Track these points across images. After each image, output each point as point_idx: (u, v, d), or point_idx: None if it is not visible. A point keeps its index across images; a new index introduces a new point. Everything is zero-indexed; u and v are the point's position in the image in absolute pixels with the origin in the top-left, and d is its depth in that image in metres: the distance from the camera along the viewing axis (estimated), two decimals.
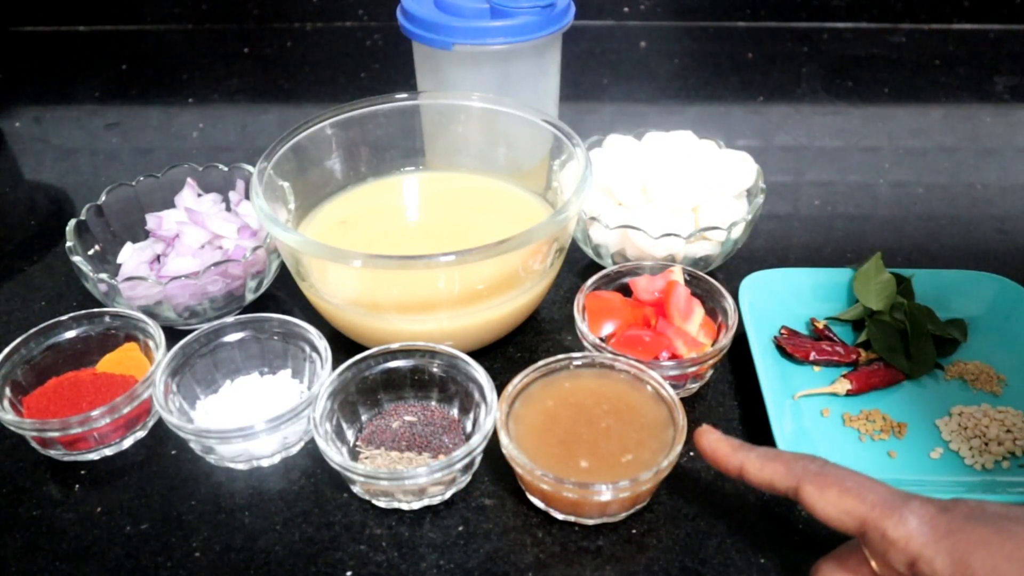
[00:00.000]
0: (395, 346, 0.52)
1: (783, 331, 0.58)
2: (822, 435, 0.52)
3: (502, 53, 0.64)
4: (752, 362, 0.54)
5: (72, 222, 0.61)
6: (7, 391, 0.52)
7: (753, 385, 0.54)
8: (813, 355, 0.56)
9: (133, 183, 0.66)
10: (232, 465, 0.51)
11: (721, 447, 0.43)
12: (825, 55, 1.02)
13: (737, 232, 0.61)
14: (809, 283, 0.61)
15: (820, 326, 0.58)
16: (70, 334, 0.56)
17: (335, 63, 1.02)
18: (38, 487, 0.51)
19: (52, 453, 0.51)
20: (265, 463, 0.51)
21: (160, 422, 0.54)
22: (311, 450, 0.52)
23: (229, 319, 0.55)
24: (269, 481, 0.50)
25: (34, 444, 0.52)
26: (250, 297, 0.62)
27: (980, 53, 1.03)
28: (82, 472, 0.51)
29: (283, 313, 0.55)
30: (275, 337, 0.55)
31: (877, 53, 1.03)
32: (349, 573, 0.45)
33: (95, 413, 0.49)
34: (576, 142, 0.58)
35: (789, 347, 0.56)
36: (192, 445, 0.51)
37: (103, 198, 0.64)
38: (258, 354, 0.56)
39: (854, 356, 0.56)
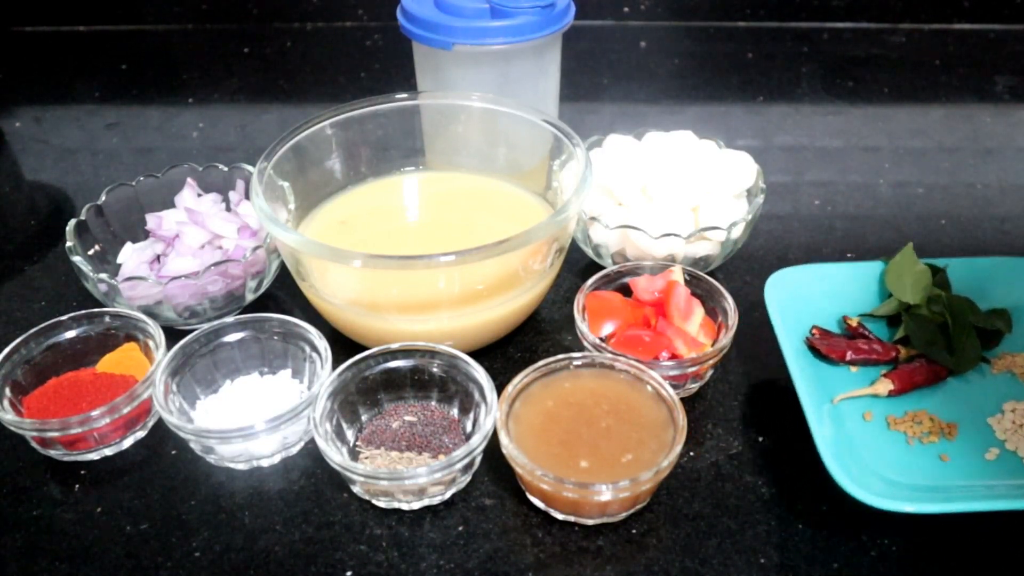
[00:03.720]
0: (395, 346, 0.52)
1: (814, 331, 0.55)
2: (867, 440, 0.49)
3: (502, 53, 0.64)
4: (781, 364, 0.51)
5: (72, 222, 0.61)
6: (7, 391, 0.52)
7: (770, 387, 0.54)
8: (850, 355, 0.53)
9: (133, 183, 0.66)
10: (232, 465, 0.51)
11: None
12: (825, 55, 1.02)
13: (737, 232, 0.61)
14: (838, 279, 0.58)
15: (853, 324, 0.56)
16: (70, 334, 0.56)
17: (335, 63, 1.02)
18: (38, 487, 0.51)
19: (52, 453, 0.51)
20: (265, 463, 0.51)
21: (160, 422, 0.54)
22: (311, 450, 0.52)
23: (229, 319, 0.55)
24: (269, 481, 0.50)
25: (34, 444, 0.52)
26: (250, 297, 0.62)
27: (980, 53, 1.03)
28: (82, 472, 0.51)
29: (283, 313, 0.55)
30: (275, 337, 0.55)
31: (877, 53, 1.03)
32: (349, 573, 0.45)
33: (95, 413, 0.49)
34: (576, 142, 0.58)
35: (824, 348, 0.54)
36: (192, 445, 0.51)
37: (103, 198, 0.64)
38: (258, 354, 0.56)
39: (893, 354, 0.54)
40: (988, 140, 0.85)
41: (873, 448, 0.49)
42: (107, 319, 0.56)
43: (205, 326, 0.54)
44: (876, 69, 0.99)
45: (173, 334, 0.56)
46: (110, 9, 1.08)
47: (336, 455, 0.46)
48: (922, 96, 0.94)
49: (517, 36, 0.62)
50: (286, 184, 0.60)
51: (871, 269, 0.58)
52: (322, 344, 0.53)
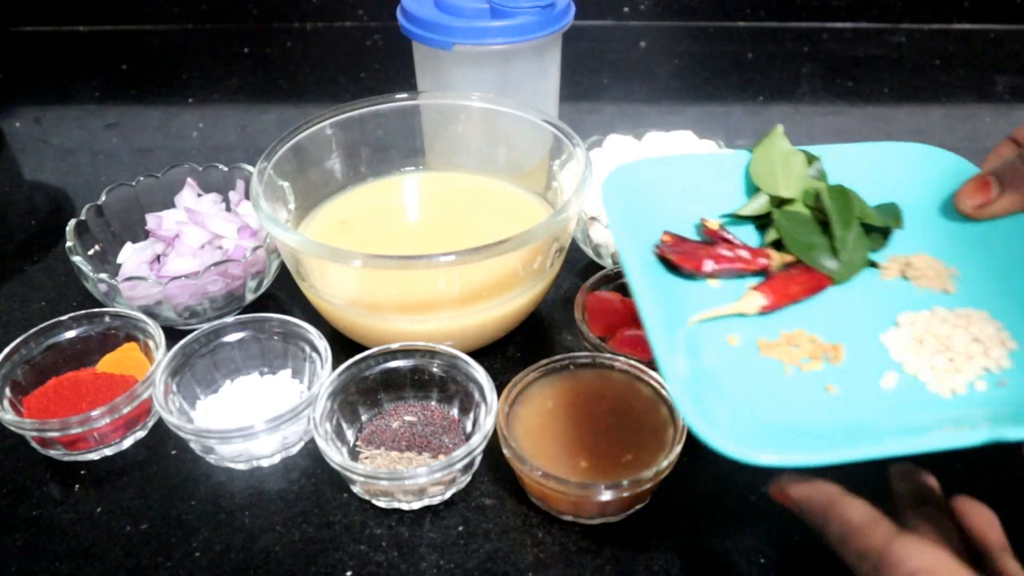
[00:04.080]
0: (395, 346, 0.52)
1: (665, 238, 0.44)
2: (731, 373, 0.38)
3: (502, 53, 0.64)
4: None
5: (72, 222, 0.61)
6: (7, 391, 0.52)
7: None
8: (708, 264, 0.43)
9: (133, 183, 0.66)
10: (232, 465, 0.51)
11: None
12: (825, 55, 1.02)
13: None
14: (695, 174, 0.47)
15: (714, 227, 0.45)
16: (70, 334, 0.56)
17: (335, 63, 1.02)
18: (38, 487, 0.51)
19: (52, 453, 0.51)
20: (265, 463, 0.51)
21: (160, 422, 0.54)
22: (311, 450, 0.52)
23: (229, 319, 0.55)
24: (269, 481, 0.50)
25: (34, 444, 0.52)
26: (250, 297, 0.62)
27: (980, 53, 1.03)
28: (82, 472, 0.51)
29: (283, 313, 0.55)
30: (275, 337, 0.55)
31: (877, 53, 1.03)
32: (349, 573, 0.45)
33: (95, 413, 0.49)
34: (576, 142, 0.58)
35: (676, 257, 0.43)
36: (192, 445, 0.51)
37: (103, 198, 0.64)
38: (258, 354, 0.56)
39: (763, 261, 0.44)
40: (988, 140, 0.85)
41: (740, 383, 0.38)
42: (107, 319, 0.56)
43: (205, 326, 0.54)
44: (876, 69, 0.99)
45: (173, 334, 0.56)
46: (110, 9, 1.08)
47: (336, 455, 0.46)
48: (922, 96, 0.94)
49: (517, 36, 0.62)
50: (286, 184, 0.60)
51: (735, 161, 0.48)
52: (322, 344, 0.53)
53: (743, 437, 0.33)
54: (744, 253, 0.44)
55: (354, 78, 0.99)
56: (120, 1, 1.08)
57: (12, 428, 0.49)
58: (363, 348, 0.52)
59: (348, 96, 0.63)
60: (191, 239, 0.62)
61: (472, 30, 0.62)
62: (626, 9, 1.08)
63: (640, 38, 1.06)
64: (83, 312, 0.56)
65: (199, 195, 0.66)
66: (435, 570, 0.45)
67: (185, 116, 0.92)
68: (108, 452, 0.52)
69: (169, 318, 0.59)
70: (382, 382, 0.52)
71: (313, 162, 0.63)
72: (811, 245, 0.43)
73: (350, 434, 0.51)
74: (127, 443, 0.53)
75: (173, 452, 0.52)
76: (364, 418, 0.52)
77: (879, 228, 0.45)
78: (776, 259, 0.44)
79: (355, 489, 0.48)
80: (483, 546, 0.46)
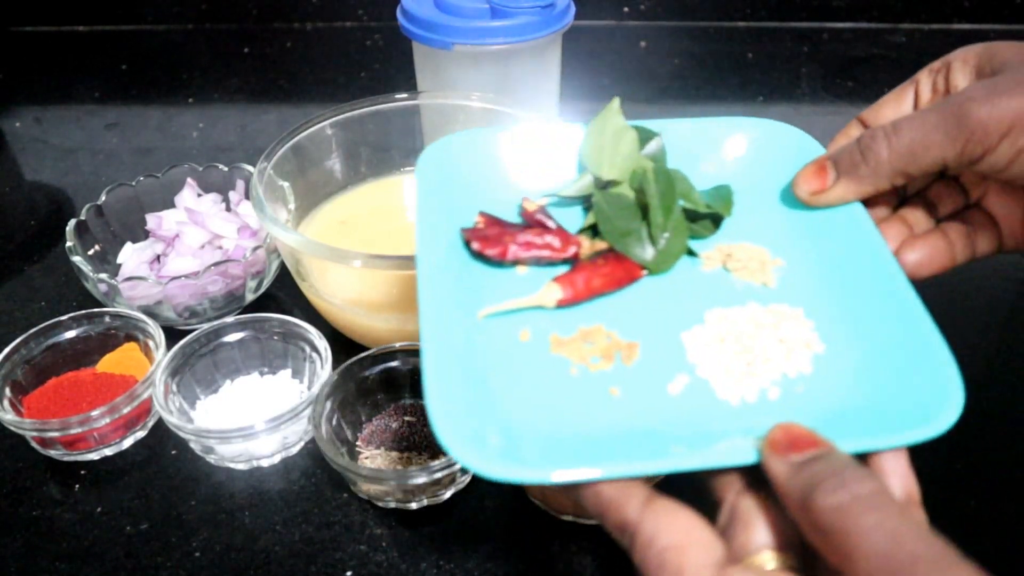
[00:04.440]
0: (395, 346, 0.52)
1: (479, 220, 0.39)
2: (510, 374, 0.34)
3: (502, 53, 0.64)
4: None
5: (72, 222, 0.61)
6: (7, 391, 0.52)
7: None
8: (514, 251, 0.37)
9: (133, 183, 0.66)
10: (232, 465, 0.51)
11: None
12: (825, 55, 1.02)
13: None
14: (530, 148, 0.42)
15: (532, 209, 0.40)
16: (70, 334, 0.56)
17: (335, 63, 1.02)
18: (38, 487, 0.51)
19: (52, 453, 0.51)
20: (265, 463, 0.51)
21: (160, 422, 0.54)
22: (311, 450, 0.52)
23: (229, 319, 0.55)
24: (269, 481, 0.50)
25: (34, 444, 0.52)
26: (250, 297, 0.62)
27: None
28: (82, 472, 0.51)
29: (283, 313, 0.55)
30: (275, 337, 0.55)
31: (877, 53, 1.03)
32: (349, 573, 0.45)
33: (95, 413, 0.49)
34: None
35: (478, 242, 0.38)
36: (192, 445, 0.51)
37: (103, 198, 0.64)
38: (258, 354, 0.56)
39: (573, 249, 0.38)
40: None
41: (519, 386, 0.33)
42: (107, 319, 0.56)
43: (205, 326, 0.54)
44: (876, 69, 0.99)
45: (173, 334, 0.56)
46: (110, 9, 1.08)
47: (336, 455, 0.46)
48: None
49: (517, 36, 0.62)
50: (286, 184, 0.60)
51: (577, 134, 0.43)
52: (322, 344, 0.53)
53: (509, 452, 0.29)
54: (553, 240, 0.38)
55: (354, 78, 0.99)
56: (120, 1, 1.08)
57: (12, 428, 0.49)
58: (363, 348, 0.52)
59: (348, 96, 0.63)
60: (191, 239, 0.62)
61: (472, 30, 0.62)
62: (626, 9, 1.08)
63: (640, 38, 1.06)
64: (83, 312, 0.56)
65: (199, 195, 0.66)
66: (435, 570, 0.45)
67: (185, 116, 0.92)
68: (108, 452, 0.52)
69: (169, 318, 0.59)
70: (382, 382, 0.52)
71: (313, 162, 0.63)
72: (627, 231, 0.38)
73: (350, 434, 0.51)
74: (127, 443, 0.53)
75: (173, 452, 0.52)
76: (364, 418, 0.52)
77: (709, 214, 0.40)
78: (587, 247, 0.39)
79: (355, 489, 0.48)
80: (483, 546, 0.46)
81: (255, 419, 0.48)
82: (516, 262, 0.38)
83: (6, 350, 0.53)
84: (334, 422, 0.50)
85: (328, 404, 0.49)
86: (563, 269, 0.38)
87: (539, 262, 0.38)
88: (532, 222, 0.39)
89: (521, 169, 0.42)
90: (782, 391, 0.33)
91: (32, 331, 0.54)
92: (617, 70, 1.00)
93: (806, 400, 0.33)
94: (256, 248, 0.59)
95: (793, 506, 0.26)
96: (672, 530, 0.27)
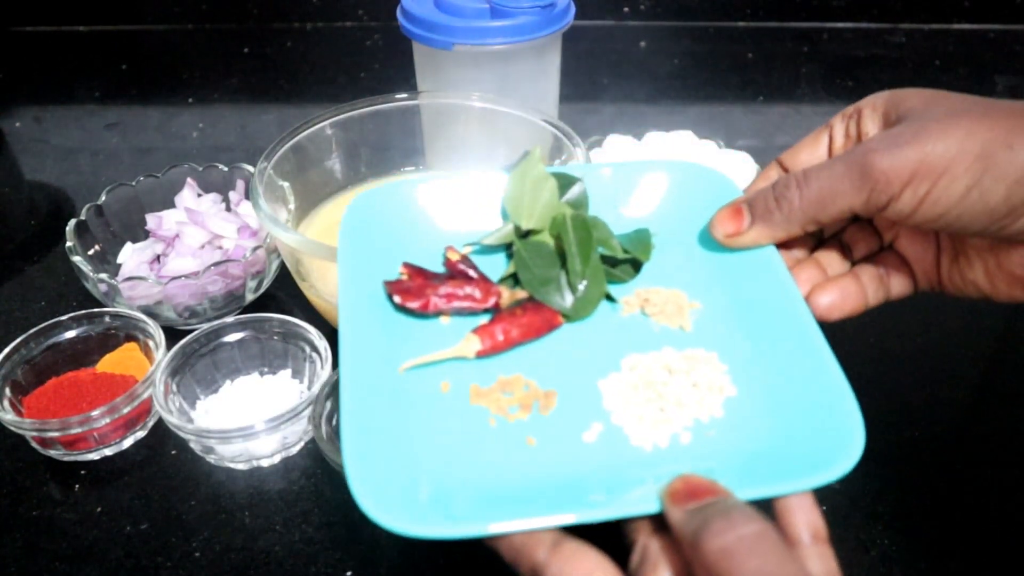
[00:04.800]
0: None
1: (403, 270, 0.40)
2: (430, 427, 0.34)
3: (502, 53, 0.64)
4: None
5: (72, 222, 0.61)
6: (7, 391, 0.52)
7: None
8: (435, 303, 0.38)
9: (133, 183, 0.66)
10: (232, 465, 0.51)
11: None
12: (825, 55, 1.02)
13: None
14: (458, 198, 0.43)
15: (455, 258, 0.40)
16: (70, 334, 0.56)
17: (335, 63, 1.02)
18: (38, 487, 0.51)
19: (52, 453, 0.51)
20: (265, 463, 0.51)
21: (160, 422, 0.54)
22: (311, 450, 0.52)
23: (229, 319, 0.55)
24: (269, 481, 0.50)
25: (34, 444, 0.52)
26: (250, 297, 0.62)
27: (980, 53, 1.03)
28: (82, 472, 0.51)
29: (283, 313, 0.55)
30: (275, 337, 0.55)
31: (877, 53, 1.03)
32: (349, 573, 0.45)
33: (95, 413, 0.49)
34: (576, 142, 0.58)
35: (400, 295, 0.38)
36: (192, 445, 0.51)
37: (103, 198, 0.64)
38: (258, 354, 0.56)
39: (494, 299, 0.39)
40: None
41: (440, 437, 0.34)
42: (107, 319, 0.56)
43: (205, 326, 0.54)
44: (876, 69, 0.99)
45: (173, 334, 0.56)
46: (110, 9, 1.08)
47: (336, 455, 0.46)
48: None
49: (517, 36, 0.62)
50: (286, 184, 0.60)
51: (503, 184, 0.43)
52: (322, 344, 0.53)
53: (431, 507, 0.30)
54: (474, 291, 0.39)
55: (354, 78, 0.99)
56: (120, 1, 1.08)
57: (12, 428, 0.49)
58: None
59: (348, 96, 0.63)
60: (191, 239, 0.62)
61: (472, 30, 0.62)
62: (626, 9, 1.08)
63: (640, 38, 1.06)
64: (83, 312, 0.56)
65: (199, 195, 0.66)
66: (436, 570, 0.45)
67: (185, 116, 0.92)
68: (108, 452, 0.52)
69: (169, 318, 0.59)
70: None
71: (313, 162, 0.63)
72: (546, 280, 0.39)
73: None
74: (127, 443, 0.53)
75: (173, 452, 0.52)
76: None
77: (628, 259, 0.41)
78: (507, 296, 0.39)
79: None
80: (483, 544, 0.46)
81: (255, 419, 0.48)
82: (439, 313, 0.39)
83: (6, 350, 0.53)
84: (334, 422, 0.50)
85: (328, 404, 0.49)
86: (486, 318, 0.38)
87: (461, 312, 0.39)
88: (455, 272, 0.40)
89: (446, 218, 0.43)
90: (694, 436, 0.34)
91: (32, 331, 0.54)
92: (617, 70, 1.00)
93: (717, 444, 0.33)
94: (256, 248, 0.59)
95: (686, 548, 0.27)
96: (578, 572, 0.28)
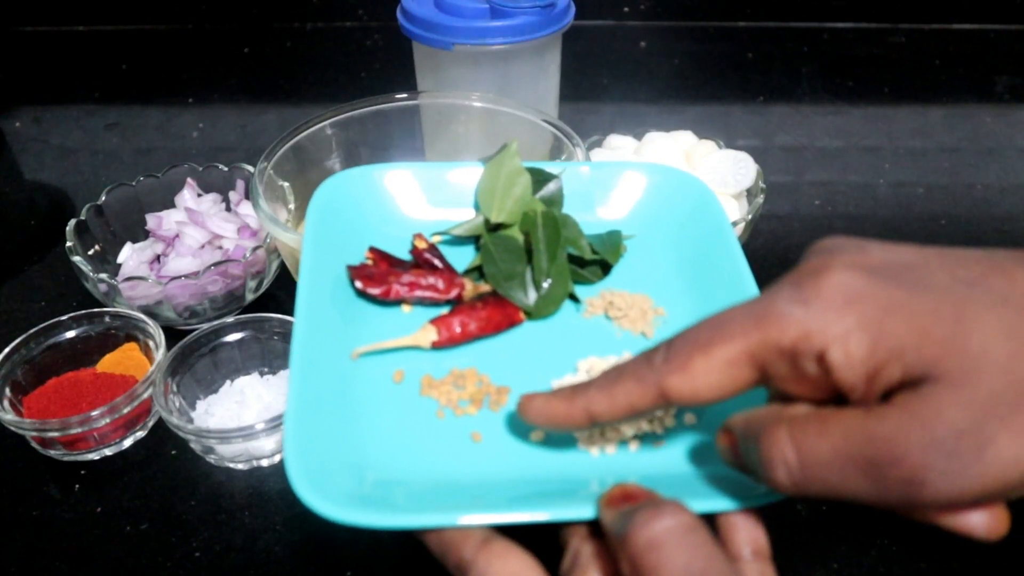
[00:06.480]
0: None
1: (369, 255, 0.39)
2: (376, 413, 0.34)
3: (502, 53, 0.64)
4: None
5: (72, 222, 0.61)
6: (7, 391, 0.52)
7: None
8: (397, 290, 0.38)
9: (133, 183, 0.66)
10: (232, 465, 0.51)
11: (554, 407, 0.30)
12: (825, 55, 1.02)
13: (737, 232, 0.61)
14: (432, 185, 0.43)
15: (422, 246, 0.40)
16: (70, 334, 0.56)
17: (335, 63, 1.02)
18: (38, 487, 0.51)
19: (52, 453, 0.51)
20: (265, 463, 0.51)
21: (160, 422, 0.54)
22: None
23: (229, 319, 0.55)
24: (269, 481, 0.50)
25: (34, 444, 0.52)
26: (250, 297, 0.62)
27: (980, 53, 1.03)
28: (82, 472, 0.51)
29: (283, 313, 0.55)
30: (275, 337, 0.55)
31: (877, 53, 1.03)
32: (349, 573, 0.45)
33: (95, 413, 0.49)
34: (576, 142, 0.58)
35: (362, 280, 0.38)
36: (192, 445, 0.51)
37: (103, 198, 0.64)
38: (258, 354, 0.56)
39: (456, 291, 0.39)
40: (988, 140, 0.85)
41: (384, 425, 0.33)
42: (107, 319, 0.56)
43: (205, 326, 0.54)
44: (876, 69, 0.99)
45: (173, 334, 0.56)
46: (110, 9, 1.08)
47: None
48: (922, 96, 0.94)
49: (517, 36, 0.62)
50: (286, 184, 0.60)
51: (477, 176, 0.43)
52: None
53: (367, 495, 0.29)
54: (437, 281, 0.38)
55: (354, 78, 0.99)
56: (120, 1, 1.08)
57: (12, 428, 0.49)
58: None
59: (348, 96, 0.63)
60: (191, 239, 0.62)
61: (472, 30, 0.62)
62: (626, 9, 1.08)
63: (640, 38, 1.06)
64: (83, 312, 0.56)
65: (199, 195, 0.66)
66: (436, 570, 0.45)
67: (185, 116, 0.92)
68: (108, 452, 0.52)
69: (169, 318, 0.59)
70: None
71: (313, 162, 0.63)
72: (511, 275, 0.39)
73: None
74: (127, 443, 0.53)
75: (173, 452, 0.52)
76: None
77: (597, 260, 0.40)
78: (470, 289, 0.39)
79: None
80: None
81: (255, 419, 0.48)
82: (400, 301, 0.38)
83: (6, 350, 0.53)
84: None
85: None
86: (447, 309, 0.38)
87: (423, 302, 0.38)
88: (421, 260, 0.40)
89: (418, 206, 0.43)
90: (642, 444, 0.33)
91: (32, 331, 0.54)
92: (617, 70, 1.00)
93: (663, 454, 0.33)
94: (256, 248, 0.59)
95: (615, 544, 0.26)
96: (504, 572, 0.28)
